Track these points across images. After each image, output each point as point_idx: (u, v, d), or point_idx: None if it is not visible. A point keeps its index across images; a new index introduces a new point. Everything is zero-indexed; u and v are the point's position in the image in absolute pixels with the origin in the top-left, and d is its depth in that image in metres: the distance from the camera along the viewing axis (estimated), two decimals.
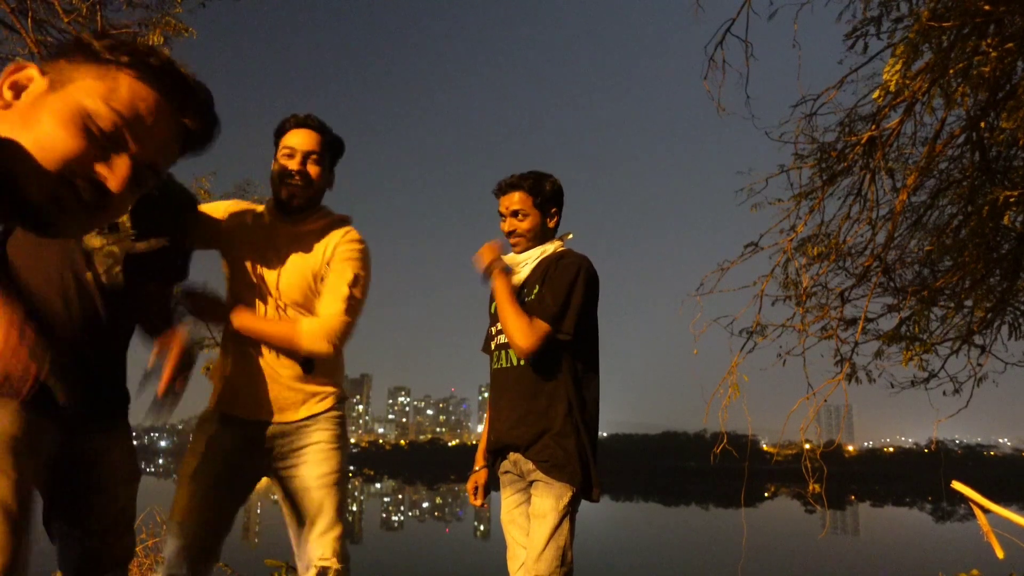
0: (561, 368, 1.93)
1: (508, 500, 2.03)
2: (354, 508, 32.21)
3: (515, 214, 2.05)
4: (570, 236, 2.14)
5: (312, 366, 1.81)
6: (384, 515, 28.11)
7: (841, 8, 3.60)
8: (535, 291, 1.99)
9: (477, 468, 2.15)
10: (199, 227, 1.76)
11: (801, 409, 3.75)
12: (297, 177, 1.78)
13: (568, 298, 1.92)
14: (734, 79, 3.78)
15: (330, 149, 1.86)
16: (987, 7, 2.73)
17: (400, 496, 41.04)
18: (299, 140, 1.79)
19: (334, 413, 1.85)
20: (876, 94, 3.19)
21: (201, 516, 1.71)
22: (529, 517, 1.92)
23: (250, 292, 1.83)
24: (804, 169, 4.05)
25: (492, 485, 2.17)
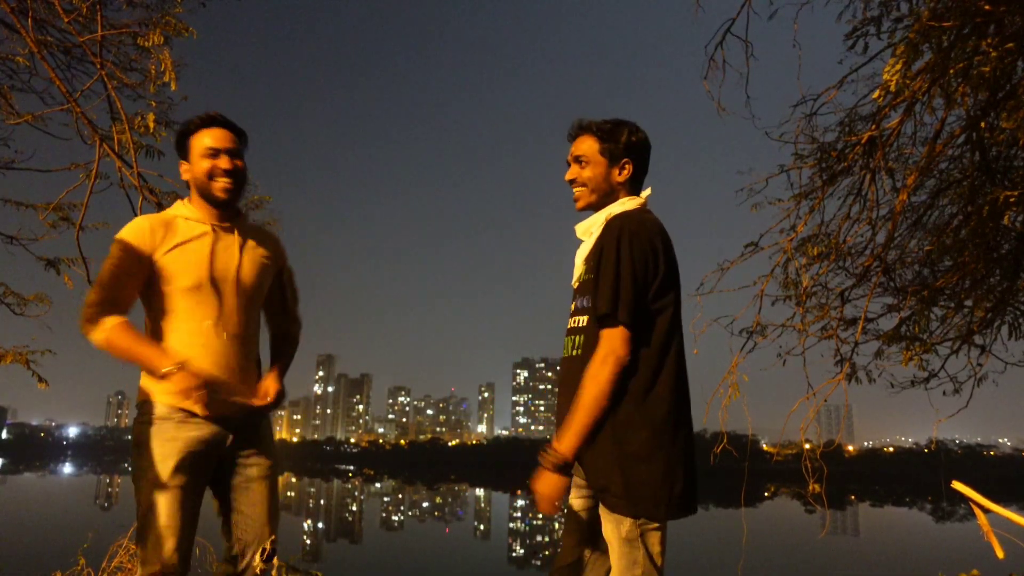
0: None
1: (573, 501, 1.79)
2: (354, 508, 32.22)
3: (577, 160, 1.79)
4: (648, 192, 1.83)
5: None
6: (384, 515, 28.12)
7: (841, 8, 3.61)
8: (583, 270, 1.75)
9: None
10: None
11: (801, 409, 3.76)
12: (229, 175, 1.83)
13: (616, 277, 1.59)
14: (734, 79, 3.78)
15: (244, 143, 1.91)
16: (987, 7, 2.73)
17: (400, 496, 41.06)
18: (217, 138, 1.83)
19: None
20: (876, 94, 3.19)
21: (185, 515, 1.74)
22: (584, 523, 1.74)
23: (211, 301, 1.81)
24: (804, 169, 4.05)
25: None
